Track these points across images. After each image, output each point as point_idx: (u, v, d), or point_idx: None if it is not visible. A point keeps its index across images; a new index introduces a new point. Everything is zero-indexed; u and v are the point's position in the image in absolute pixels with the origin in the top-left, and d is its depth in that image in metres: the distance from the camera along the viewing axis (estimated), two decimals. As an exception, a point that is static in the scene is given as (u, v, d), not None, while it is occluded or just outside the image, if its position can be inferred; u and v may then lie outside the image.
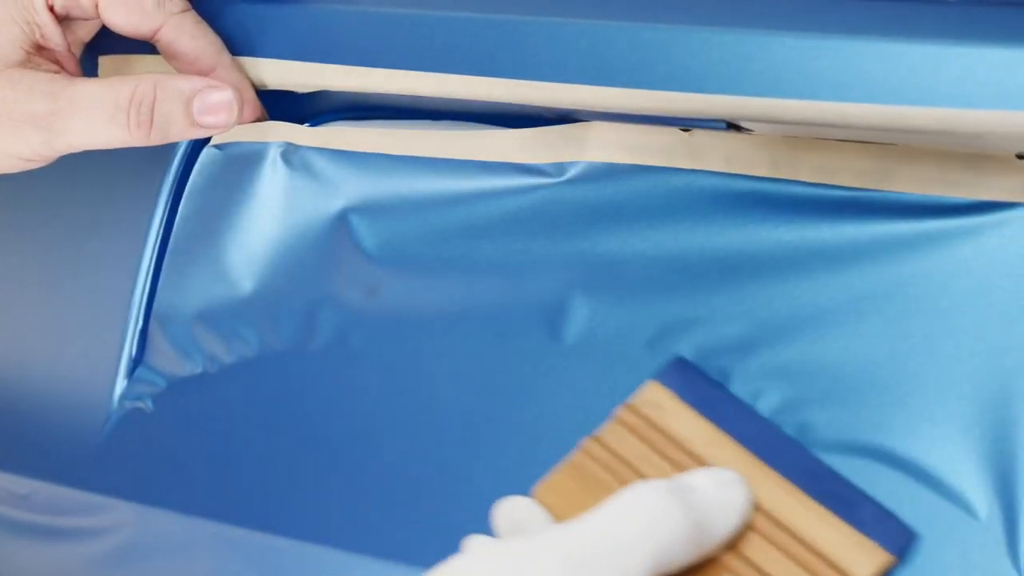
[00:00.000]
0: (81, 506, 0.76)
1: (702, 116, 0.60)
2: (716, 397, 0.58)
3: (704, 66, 0.59)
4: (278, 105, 0.71)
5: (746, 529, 0.53)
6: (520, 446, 0.63)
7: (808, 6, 0.60)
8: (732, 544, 0.53)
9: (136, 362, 0.76)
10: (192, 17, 0.68)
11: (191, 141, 0.74)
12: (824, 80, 0.56)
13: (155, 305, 0.75)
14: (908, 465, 0.55)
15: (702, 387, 0.58)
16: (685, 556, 0.51)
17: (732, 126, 0.61)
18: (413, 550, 0.65)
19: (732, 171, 0.60)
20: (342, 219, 0.69)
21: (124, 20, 0.67)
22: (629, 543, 0.50)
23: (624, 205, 0.63)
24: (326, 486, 0.68)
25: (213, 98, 0.66)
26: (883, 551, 0.53)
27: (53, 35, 0.68)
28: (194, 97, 0.66)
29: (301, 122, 0.72)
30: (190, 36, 0.68)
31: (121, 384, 0.76)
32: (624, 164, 0.63)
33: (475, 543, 0.52)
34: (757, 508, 0.54)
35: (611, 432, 0.57)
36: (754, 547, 0.53)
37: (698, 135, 0.61)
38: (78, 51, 0.71)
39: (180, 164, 0.74)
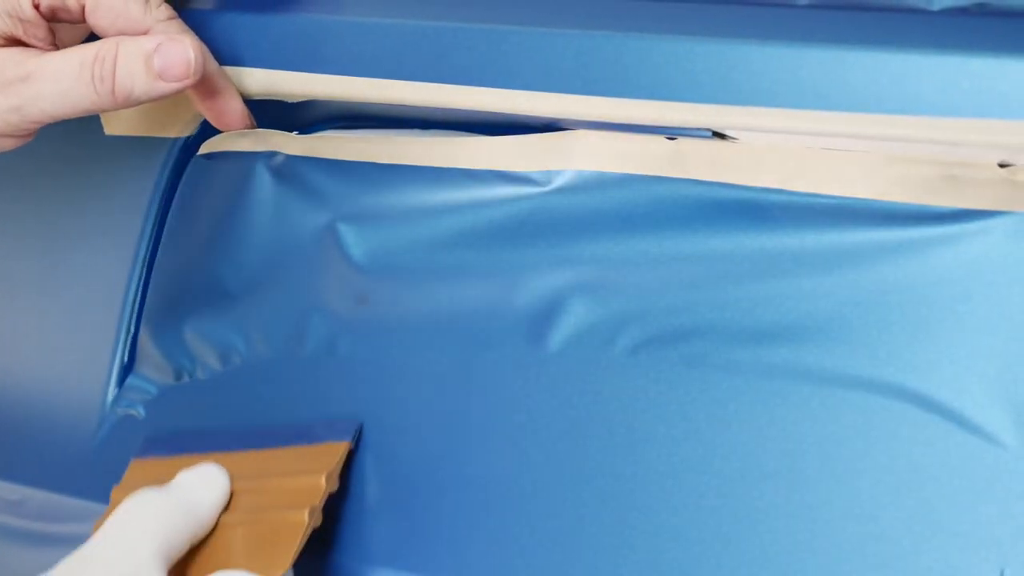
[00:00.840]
0: (73, 513, 0.76)
1: (688, 125, 0.60)
2: (185, 439, 0.71)
3: (689, 75, 0.59)
4: (266, 114, 0.72)
5: (234, 495, 0.66)
6: (506, 453, 0.63)
7: (791, 16, 0.60)
8: (227, 508, 0.65)
9: (127, 369, 0.76)
10: (178, 25, 0.68)
11: (179, 150, 0.74)
12: (807, 89, 0.57)
13: (146, 313, 0.76)
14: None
15: (171, 441, 0.71)
16: (185, 531, 0.63)
17: (717, 134, 0.61)
18: (402, 556, 0.65)
19: (717, 179, 0.61)
20: (330, 228, 0.70)
21: (110, 25, 0.67)
22: (134, 536, 0.61)
23: (610, 213, 0.63)
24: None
25: (173, 53, 0.66)
26: (335, 444, 0.66)
27: (38, 32, 0.68)
28: (155, 52, 0.66)
29: (289, 131, 0.72)
30: None
31: (113, 391, 0.76)
32: (610, 173, 0.63)
33: None
34: (236, 478, 0.66)
35: (112, 512, 0.66)
36: (242, 501, 0.66)
37: (683, 143, 0.61)
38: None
39: (169, 172, 0.75)
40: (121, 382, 0.76)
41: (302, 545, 0.63)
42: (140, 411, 0.75)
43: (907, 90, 0.55)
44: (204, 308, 0.73)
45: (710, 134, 0.61)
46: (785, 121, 0.57)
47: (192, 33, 0.68)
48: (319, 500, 0.64)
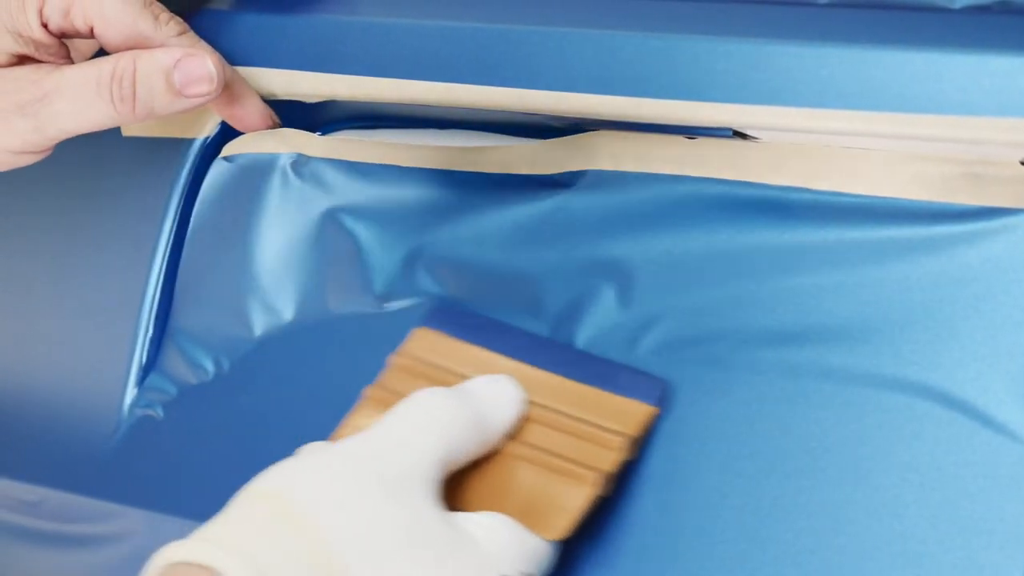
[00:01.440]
0: (91, 513, 0.76)
1: (709, 124, 0.60)
2: (479, 325, 0.64)
3: (710, 75, 0.59)
4: (286, 115, 0.72)
5: (524, 420, 0.60)
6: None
7: (812, 15, 0.60)
8: (514, 435, 0.60)
9: (147, 370, 0.76)
10: (190, 39, 0.68)
11: (199, 151, 0.74)
12: (828, 88, 0.57)
13: (167, 313, 0.76)
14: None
15: (464, 320, 0.65)
16: (469, 443, 0.58)
17: (738, 134, 0.61)
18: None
19: (739, 178, 0.61)
20: (352, 230, 0.70)
21: (121, 43, 0.67)
22: (418, 435, 0.56)
23: (632, 213, 0.63)
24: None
25: (193, 67, 0.66)
26: (641, 404, 0.60)
27: (49, 49, 0.67)
28: (174, 68, 0.66)
29: (309, 131, 0.72)
30: None
31: (132, 392, 0.76)
32: (631, 172, 0.63)
33: (279, 463, 0.57)
34: (530, 402, 0.61)
35: (389, 376, 0.63)
36: (533, 433, 0.60)
37: (704, 143, 0.61)
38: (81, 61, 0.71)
39: (189, 173, 0.75)
40: (140, 382, 0.76)
41: (585, 514, 0.59)
42: (159, 412, 0.75)
43: (929, 89, 0.55)
44: (225, 308, 0.73)
45: (731, 133, 0.61)
46: (806, 120, 0.57)
47: (207, 45, 0.68)
48: (615, 467, 0.59)
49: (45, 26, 0.66)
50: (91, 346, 0.77)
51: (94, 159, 0.77)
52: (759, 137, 0.61)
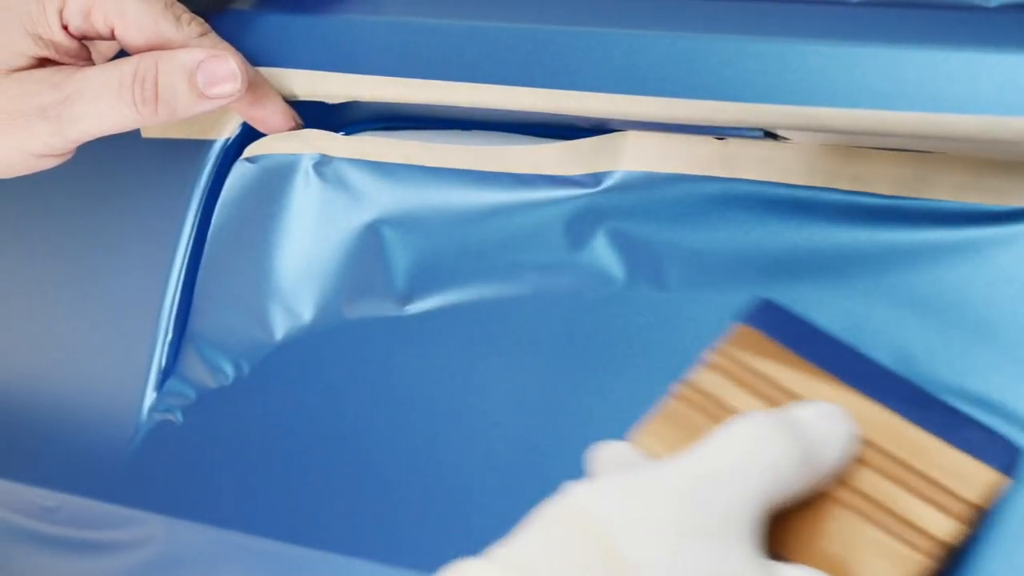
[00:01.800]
0: (110, 519, 0.75)
1: (740, 125, 0.59)
2: (807, 334, 0.57)
3: (741, 75, 0.58)
4: (309, 116, 0.71)
5: (854, 462, 0.53)
6: (561, 464, 0.63)
7: (844, 14, 0.59)
8: (841, 478, 0.53)
9: (166, 374, 0.75)
10: (212, 40, 0.67)
11: (220, 152, 0.74)
12: (862, 88, 0.56)
13: (186, 316, 0.75)
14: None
15: (791, 325, 0.57)
16: (796, 485, 0.51)
17: (769, 135, 0.60)
18: (446, 561, 0.64)
19: (768, 179, 0.60)
20: (375, 231, 0.69)
21: (143, 44, 0.66)
22: (742, 470, 0.50)
23: (659, 214, 0.62)
24: (357, 499, 0.68)
25: (217, 68, 0.65)
26: (992, 471, 0.53)
27: (70, 51, 0.67)
28: (197, 69, 0.65)
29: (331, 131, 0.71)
30: None
31: (151, 396, 0.75)
32: (659, 173, 0.63)
33: (579, 483, 0.51)
34: (862, 440, 0.54)
35: (703, 375, 0.56)
36: (863, 479, 0.53)
37: (733, 144, 0.61)
38: (102, 62, 0.71)
39: (209, 175, 0.74)
40: (159, 386, 0.75)
41: None
42: (178, 416, 0.74)
43: (964, 89, 0.55)
44: (246, 311, 0.73)
45: (761, 134, 0.60)
46: (839, 121, 0.57)
47: (230, 46, 0.68)
48: (955, 539, 0.52)
49: (65, 28, 0.66)
50: (109, 349, 0.77)
51: (114, 161, 0.77)
52: (789, 138, 0.60)
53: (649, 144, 0.63)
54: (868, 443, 0.54)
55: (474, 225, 0.67)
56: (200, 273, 0.75)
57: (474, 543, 0.63)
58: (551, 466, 0.63)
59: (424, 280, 0.68)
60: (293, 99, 0.70)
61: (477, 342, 0.66)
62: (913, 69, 0.55)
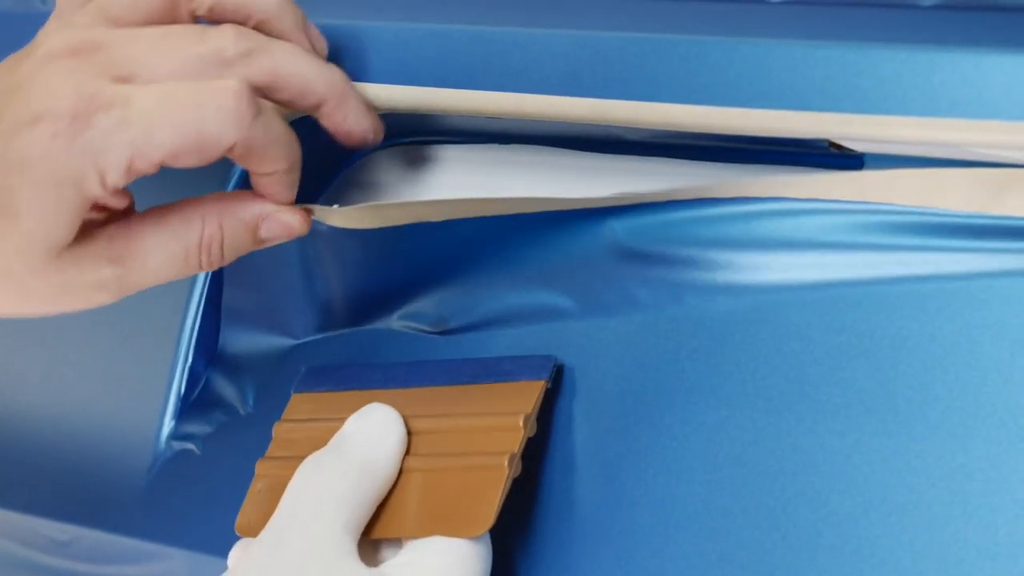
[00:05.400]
0: (126, 554, 0.74)
1: (804, 136, 0.57)
2: (355, 373, 0.65)
3: (807, 81, 0.56)
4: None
5: (412, 436, 0.61)
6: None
7: (916, 18, 0.57)
8: (409, 451, 0.60)
9: (184, 401, 0.74)
10: (265, 121, 0.61)
11: (242, 172, 0.71)
12: (940, 95, 0.53)
13: (206, 343, 0.74)
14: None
15: (339, 373, 0.66)
16: (370, 489, 0.58)
17: (834, 145, 0.58)
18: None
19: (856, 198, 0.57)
20: (400, 258, 0.68)
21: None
22: (311, 516, 0.57)
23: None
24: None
25: (282, 220, 0.64)
26: (530, 381, 0.61)
27: (114, 203, 0.62)
28: (260, 224, 0.63)
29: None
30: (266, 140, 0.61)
31: (169, 424, 0.74)
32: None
33: None
34: (416, 417, 0.61)
35: (276, 447, 0.64)
36: (428, 443, 0.61)
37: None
38: None
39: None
40: (178, 415, 0.74)
41: (504, 498, 0.58)
42: (198, 445, 0.73)
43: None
44: (268, 338, 0.72)
45: (827, 145, 0.58)
46: (915, 131, 0.54)
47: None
48: (518, 446, 0.59)
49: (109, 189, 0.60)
50: (126, 376, 0.76)
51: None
52: (858, 150, 0.57)
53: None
54: (423, 417, 0.61)
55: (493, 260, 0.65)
56: (224, 297, 0.73)
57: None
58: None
59: (459, 308, 0.66)
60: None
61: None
62: (996, 75, 0.52)
